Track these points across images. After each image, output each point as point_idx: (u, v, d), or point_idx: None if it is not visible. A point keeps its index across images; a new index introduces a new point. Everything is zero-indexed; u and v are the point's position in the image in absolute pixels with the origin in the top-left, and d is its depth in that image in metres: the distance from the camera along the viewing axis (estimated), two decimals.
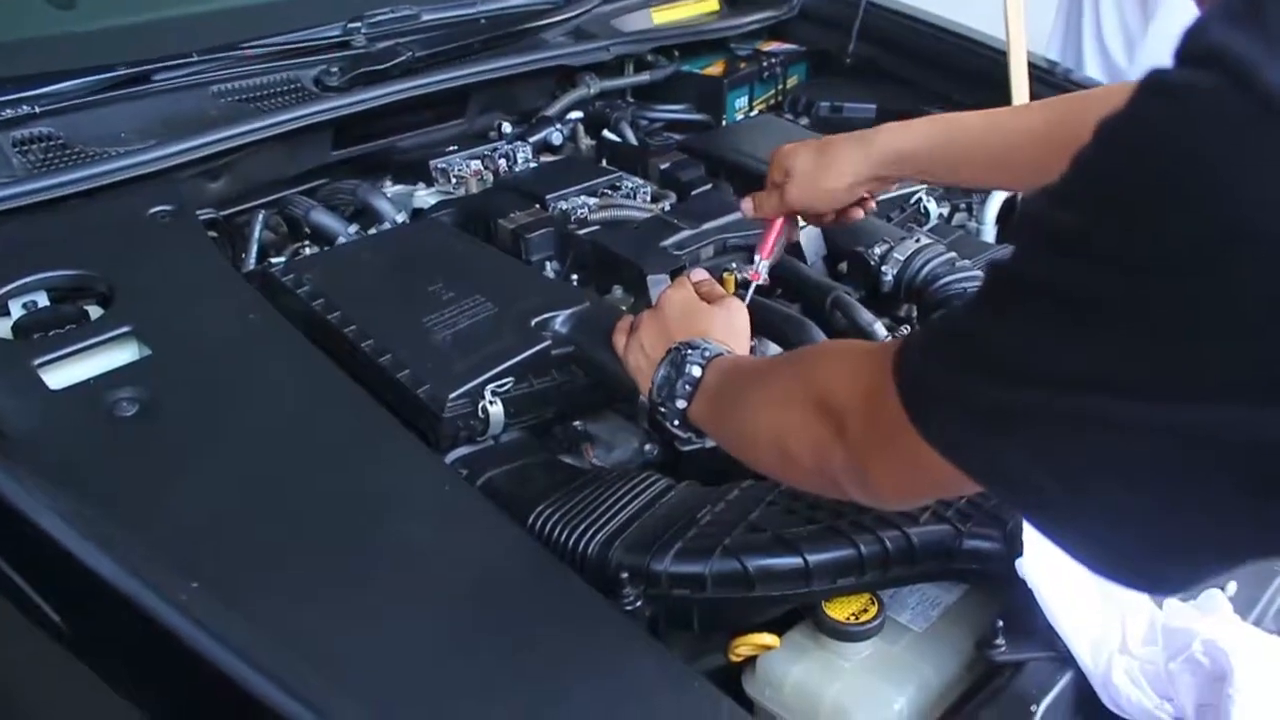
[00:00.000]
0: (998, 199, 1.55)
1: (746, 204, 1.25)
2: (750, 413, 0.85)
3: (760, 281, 1.23)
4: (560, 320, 1.14)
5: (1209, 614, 0.90)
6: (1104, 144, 0.51)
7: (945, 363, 0.60)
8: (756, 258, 1.23)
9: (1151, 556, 0.54)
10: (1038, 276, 0.53)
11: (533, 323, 1.12)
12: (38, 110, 1.32)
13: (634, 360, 1.01)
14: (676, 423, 0.93)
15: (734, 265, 1.30)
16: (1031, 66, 1.71)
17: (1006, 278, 0.57)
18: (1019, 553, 0.89)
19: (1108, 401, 0.49)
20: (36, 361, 1.00)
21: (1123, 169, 0.49)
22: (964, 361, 0.58)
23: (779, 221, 1.23)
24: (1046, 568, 0.88)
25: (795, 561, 0.90)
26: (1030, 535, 0.89)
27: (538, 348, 1.09)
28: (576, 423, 1.12)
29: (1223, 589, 0.92)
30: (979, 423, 0.57)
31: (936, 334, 0.64)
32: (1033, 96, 1.68)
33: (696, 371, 0.92)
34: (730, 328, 1.01)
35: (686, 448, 1.05)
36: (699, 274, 1.11)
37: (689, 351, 0.93)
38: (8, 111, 1.29)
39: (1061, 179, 0.52)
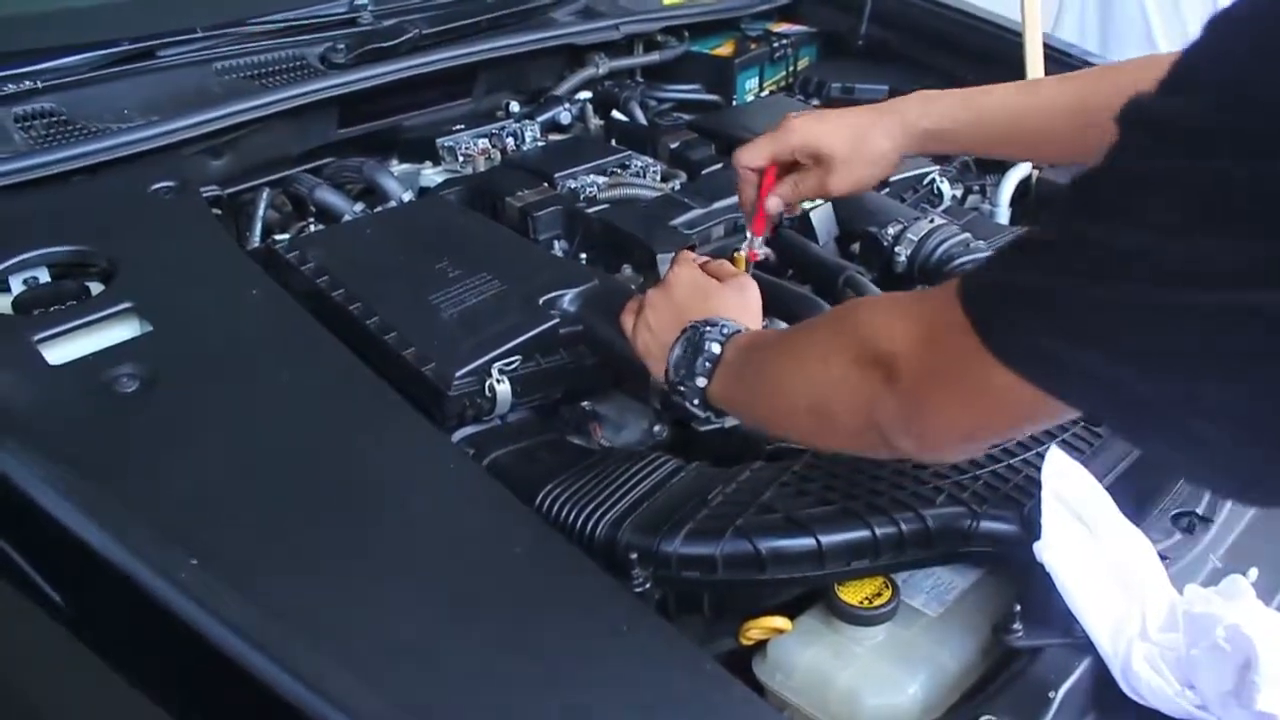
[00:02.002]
0: (1012, 181, 1.52)
1: (774, 202, 1.19)
2: (779, 380, 0.83)
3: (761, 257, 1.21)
4: (568, 299, 1.12)
5: (1231, 600, 0.88)
6: (1219, 31, 0.50)
7: (1028, 275, 0.58)
8: (751, 236, 1.21)
9: (1263, 460, 0.52)
10: (1141, 168, 0.52)
11: (541, 301, 1.11)
12: (40, 86, 1.31)
13: (643, 342, 0.99)
14: (696, 401, 0.91)
15: (744, 245, 1.28)
16: (1047, 48, 1.69)
17: (1100, 177, 0.55)
18: (1036, 536, 0.87)
19: (1218, 292, 0.48)
20: (37, 337, 0.98)
21: (1242, 48, 0.49)
22: (1051, 269, 0.56)
23: (771, 199, 1.20)
24: (1065, 552, 0.86)
25: (808, 543, 0.88)
26: (1048, 519, 0.87)
27: (545, 326, 1.08)
28: (584, 403, 1.10)
29: (1245, 575, 0.90)
30: (1069, 335, 0.55)
31: (1013, 252, 0.62)
32: None
33: (716, 349, 0.90)
34: (743, 306, 0.98)
35: (705, 428, 1.03)
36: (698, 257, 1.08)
37: (707, 329, 0.91)
38: (10, 87, 1.28)
39: (1171, 72, 0.51)
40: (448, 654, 0.73)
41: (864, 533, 0.89)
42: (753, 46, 1.89)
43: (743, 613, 0.91)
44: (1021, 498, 0.91)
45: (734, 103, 1.83)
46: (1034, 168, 1.51)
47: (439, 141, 1.53)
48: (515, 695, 0.71)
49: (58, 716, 0.77)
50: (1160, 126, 0.51)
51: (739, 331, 0.91)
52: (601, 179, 1.41)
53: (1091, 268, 0.54)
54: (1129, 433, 0.58)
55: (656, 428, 1.09)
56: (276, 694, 0.66)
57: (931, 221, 1.31)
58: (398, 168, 1.54)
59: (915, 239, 1.28)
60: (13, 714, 0.76)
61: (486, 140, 1.54)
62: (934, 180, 1.49)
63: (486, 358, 1.03)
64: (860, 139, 1.14)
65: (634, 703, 0.72)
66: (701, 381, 0.90)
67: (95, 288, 1.10)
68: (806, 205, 1.33)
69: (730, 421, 0.97)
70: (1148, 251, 0.51)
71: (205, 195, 1.29)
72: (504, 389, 1.02)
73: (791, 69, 1.92)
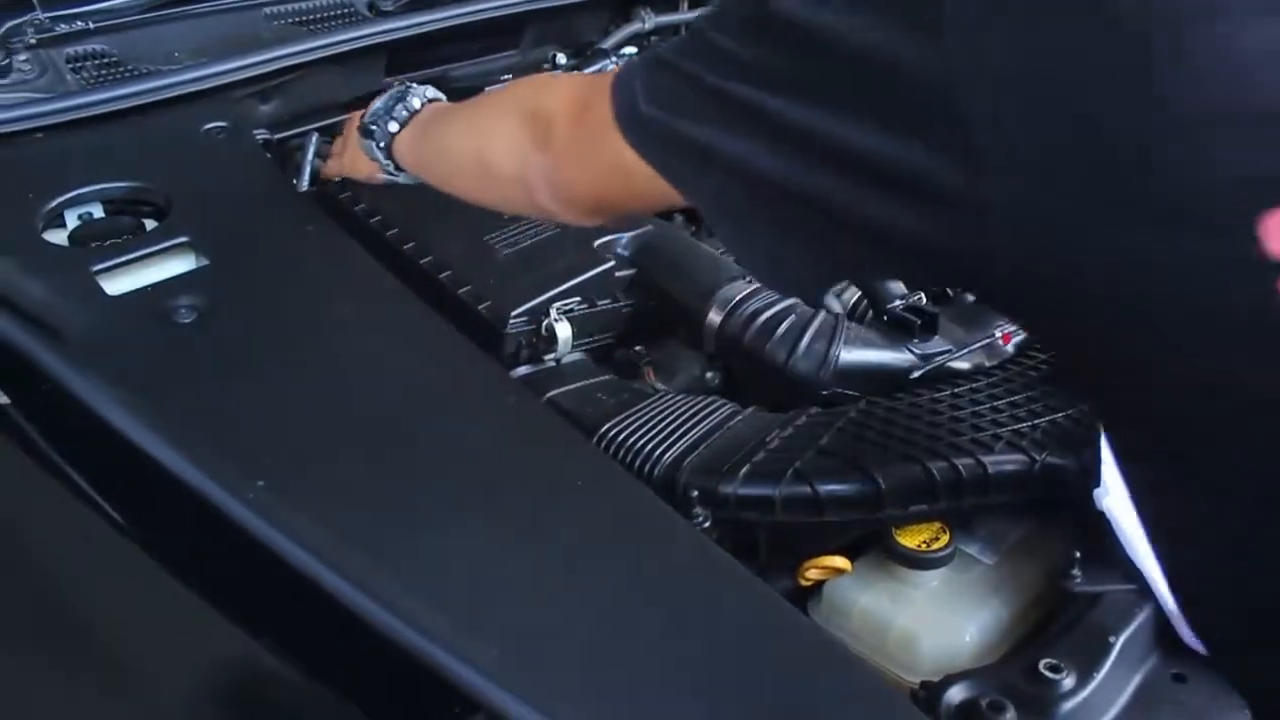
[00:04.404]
0: None
1: None
2: (457, 132, 0.95)
3: None
4: (623, 243, 1.11)
5: None
6: None
7: (670, 59, 0.66)
8: None
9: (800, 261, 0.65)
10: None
11: (596, 244, 1.10)
12: (91, 27, 1.30)
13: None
14: (383, 145, 1.02)
15: None
16: None
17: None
18: (1095, 483, 0.86)
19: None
20: (95, 268, 0.98)
21: None
22: (686, 54, 0.65)
23: None
24: (1126, 499, 0.85)
25: (867, 485, 0.88)
26: (1109, 466, 0.86)
27: (601, 268, 1.07)
28: (637, 347, 1.10)
29: None
30: (687, 117, 0.63)
31: (673, 42, 0.70)
32: None
33: (417, 103, 1.02)
34: None
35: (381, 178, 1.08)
36: None
37: (414, 87, 1.03)
38: (62, 27, 1.28)
39: None
40: (511, 580, 0.73)
41: (922, 475, 0.88)
42: None
43: (798, 556, 0.91)
44: (1081, 445, 0.90)
45: None
46: None
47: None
48: (580, 620, 0.70)
49: (127, 628, 0.77)
50: None
51: (440, 99, 1.04)
52: None
53: (703, 62, 0.62)
54: (718, 225, 0.68)
55: (709, 374, 1.08)
56: (348, 610, 0.66)
57: None
58: None
59: None
60: (80, 626, 0.76)
61: None
62: None
63: (542, 298, 1.03)
64: None
65: (701, 630, 0.72)
66: (394, 126, 1.01)
67: (149, 224, 1.10)
68: None
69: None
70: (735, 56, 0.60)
71: None
72: (564, 328, 1.02)
73: None
